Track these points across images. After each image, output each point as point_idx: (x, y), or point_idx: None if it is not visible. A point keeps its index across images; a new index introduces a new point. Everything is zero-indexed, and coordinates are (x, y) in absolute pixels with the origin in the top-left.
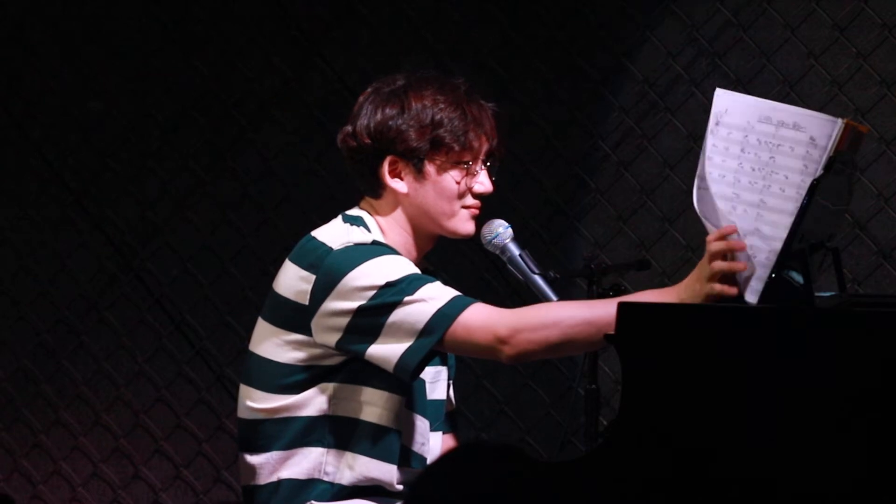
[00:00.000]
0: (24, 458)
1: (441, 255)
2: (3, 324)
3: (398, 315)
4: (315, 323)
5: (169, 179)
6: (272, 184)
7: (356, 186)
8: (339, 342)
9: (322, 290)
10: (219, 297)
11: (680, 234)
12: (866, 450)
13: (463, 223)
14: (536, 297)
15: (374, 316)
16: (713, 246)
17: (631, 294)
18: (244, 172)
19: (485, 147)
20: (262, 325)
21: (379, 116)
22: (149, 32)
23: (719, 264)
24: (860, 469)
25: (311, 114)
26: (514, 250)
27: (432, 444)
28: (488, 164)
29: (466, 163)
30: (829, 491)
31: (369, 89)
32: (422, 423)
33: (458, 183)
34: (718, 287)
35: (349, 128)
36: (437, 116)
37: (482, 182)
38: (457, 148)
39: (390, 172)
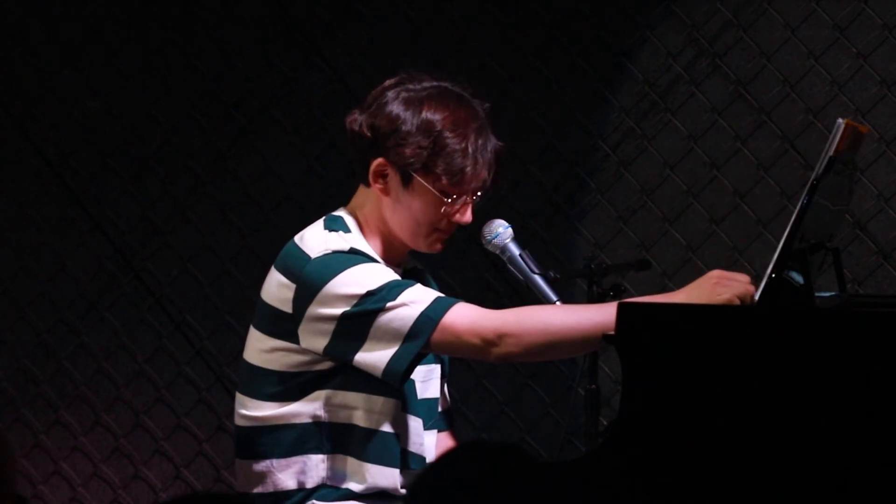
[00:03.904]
0: (25, 458)
1: (441, 255)
2: (3, 324)
3: (382, 321)
4: (302, 329)
5: (169, 179)
6: (272, 184)
7: (356, 186)
8: (326, 348)
9: (304, 298)
10: (219, 297)
11: (680, 234)
12: (867, 450)
13: (428, 245)
14: (536, 297)
15: (358, 323)
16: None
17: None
18: (244, 172)
19: (475, 183)
20: (252, 333)
21: (386, 116)
22: (149, 32)
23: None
24: (861, 469)
25: (311, 114)
26: (514, 250)
27: (427, 443)
28: (475, 196)
29: (451, 195)
30: (830, 491)
31: (394, 80)
32: (416, 423)
33: (437, 210)
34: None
35: (357, 113)
36: (440, 143)
37: (461, 214)
38: (445, 181)
39: (376, 172)
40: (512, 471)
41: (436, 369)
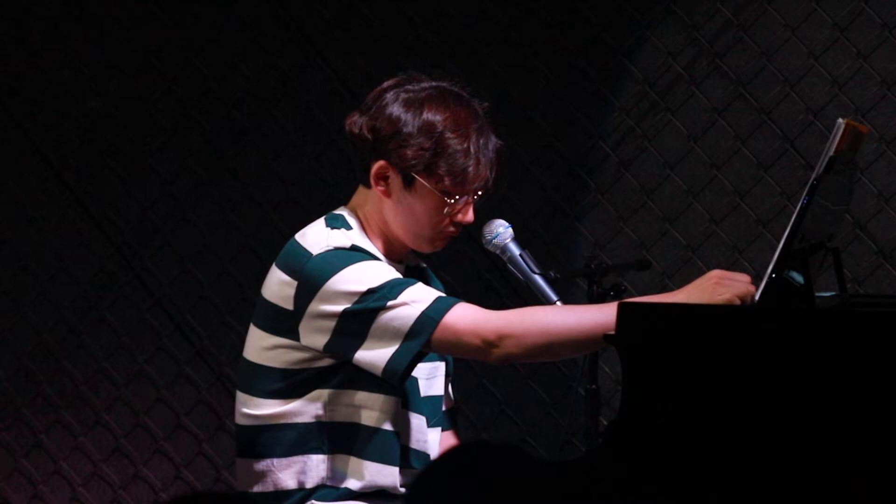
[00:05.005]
0: (24, 458)
1: (441, 254)
2: (3, 324)
3: (382, 320)
4: (303, 326)
5: (169, 179)
6: (272, 184)
7: (356, 186)
8: (326, 345)
9: (305, 294)
10: (219, 297)
11: (680, 234)
12: (867, 450)
13: (430, 245)
14: (536, 297)
15: (358, 321)
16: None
17: (629, 299)
18: (244, 172)
19: (478, 183)
20: (252, 331)
21: (387, 118)
22: (149, 32)
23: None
24: (861, 469)
25: (311, 114)
26: (515, 250)
27: (430, 440)
28: (476, 196)
29: (454, 196)
30: (830, 491)
31: (392, 82)
32: (418, 421)
33: (439, 210)
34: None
35: (356, 115)
36: (442, 143)
37: (463, 214)
38: (447, 182)
39: (377, 174)
40: (512, 471)
41: (440, 366)
